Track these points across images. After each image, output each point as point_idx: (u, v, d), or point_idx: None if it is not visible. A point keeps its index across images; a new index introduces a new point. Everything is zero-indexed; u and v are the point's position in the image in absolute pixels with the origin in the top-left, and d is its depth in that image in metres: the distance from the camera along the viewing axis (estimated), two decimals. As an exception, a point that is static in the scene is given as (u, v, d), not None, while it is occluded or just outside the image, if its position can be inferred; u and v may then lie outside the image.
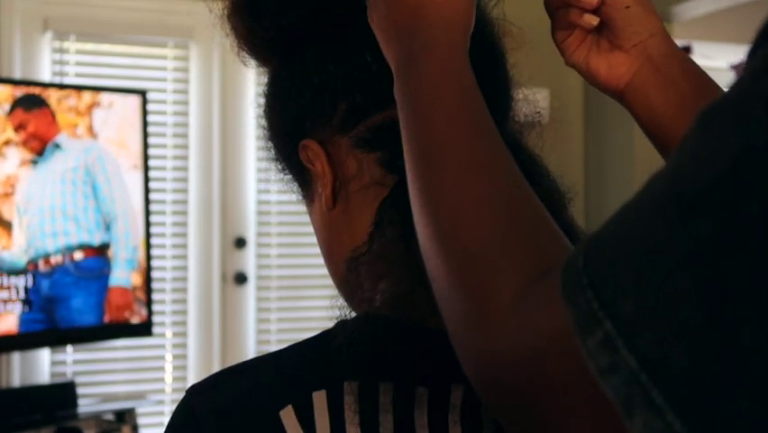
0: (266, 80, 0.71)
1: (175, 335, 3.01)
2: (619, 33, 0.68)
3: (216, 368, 2.89)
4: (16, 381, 2.72)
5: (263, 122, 0.71)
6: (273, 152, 0.71)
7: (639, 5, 0.68)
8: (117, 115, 2.61)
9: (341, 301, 0.66)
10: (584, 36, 0.71)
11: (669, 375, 0.30)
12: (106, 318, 2.55)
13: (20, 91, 2.46)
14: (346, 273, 0.63)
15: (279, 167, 0.71)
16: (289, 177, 0.71)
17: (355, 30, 0.65)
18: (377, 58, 0.63)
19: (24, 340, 2.44)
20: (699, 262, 0.31)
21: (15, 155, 2.40)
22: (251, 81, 3.07)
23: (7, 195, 2.38)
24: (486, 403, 0.48)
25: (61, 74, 2.89)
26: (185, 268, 3.03)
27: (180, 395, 0.60)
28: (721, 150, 0.32)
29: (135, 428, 2.58)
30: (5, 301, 2.36)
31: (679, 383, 0.30)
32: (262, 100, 0.71)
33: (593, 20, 0.68)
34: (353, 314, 0.63)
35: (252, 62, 0.71)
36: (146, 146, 2.67)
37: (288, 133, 0.68)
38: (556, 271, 0.39)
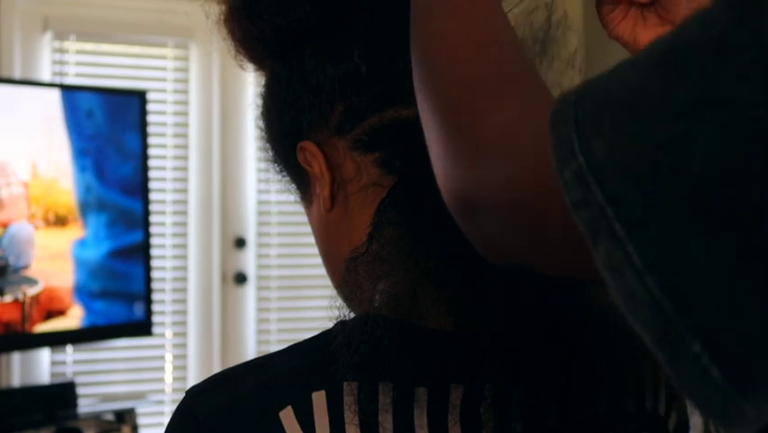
0: (263, 83, 0.71)
1: (175, 335, 3.01)
2: (670, 7, 0.66)
3: (216, 368, 2.89)
4: (16, 381, 2.72)
5: (261, 124, 0.71)
6: (271, 153, 0.71)
7: None
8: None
9: (340, 301, 0.66)
10: (628, 9, 0.69)
11: (631, 211, 0.32)
12: None
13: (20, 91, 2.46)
14: (345, 274, 0.64)
15: (278, 168, 0.71)
16: (288, 178, 0.71)
17: (352, 31, 0.65)
18: (373, 59, 0.63)
19: (24, 340, 2.44)
20: (679, 119, 0.32)
21: None
22: (251, 81, 3.07)
23: None
24: (464, 230, 0.48)
25: (61, 74, 2.89)
26: (185, 268, 3.03)
27: (180, 395, 0.60)
28: (723, 15, 0.34)
29: (135, 428, 2.59)
30: None
31: (639, 219, 0.32)
32: (260, 102, 0.71)
33: None
34: (353, 314, 0.63)
35: (250, 66, 0.71)
36: (146, 146, 2.67)
37: (286, 135, 0.68)
38: (549, 105, 0.40)
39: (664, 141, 0.32)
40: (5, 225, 2.37)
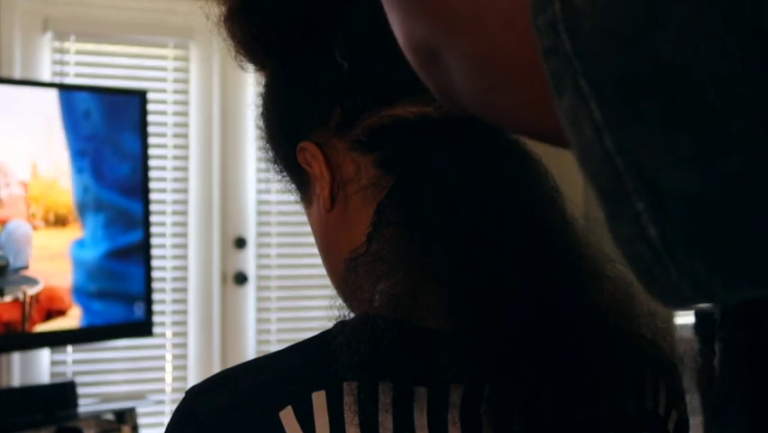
0: (263, 83, 0.71)
1: (175, 335, 3.01)
2: None
3: (217, 368, 2.89)
4: (16, 381, 2.72)
5: (261, 124, 0.71)
6: (272, 154, 0.71)
7: None
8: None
9: (340, 302, 0.66)
10: None
11: (599, 70, 0.32)
12: None
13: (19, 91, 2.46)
14: (345, 274, 0.64)
15: (278, 169, 0.71)
16: (288, 179, 0.71)
17: (350, 31, 0.65)
18: (366, 59, 0.63)
19: (24, 340, 2.44)
20: None
21: None
22: (251, 82, 3.07)
23: None
24: (421, 76, 0.46)
25: (61, 74, 2.89)
26: (185, 268, 3.03)
27: (180, 395, 0.60)
28: None
29: (135, 428, 2.59)
30: None
31: (605, 79, 0.32)
32: (260, 103, 0.71)
33: None
34: (353, 314, 0.63)
35: (250, 66, 0.71)
36: (146, 146, 2.67)
37: (286, 136, 0.68)
38: None
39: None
40: (3, 223, 2.37)
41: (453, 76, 0.43)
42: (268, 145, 0.71)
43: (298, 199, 0.72)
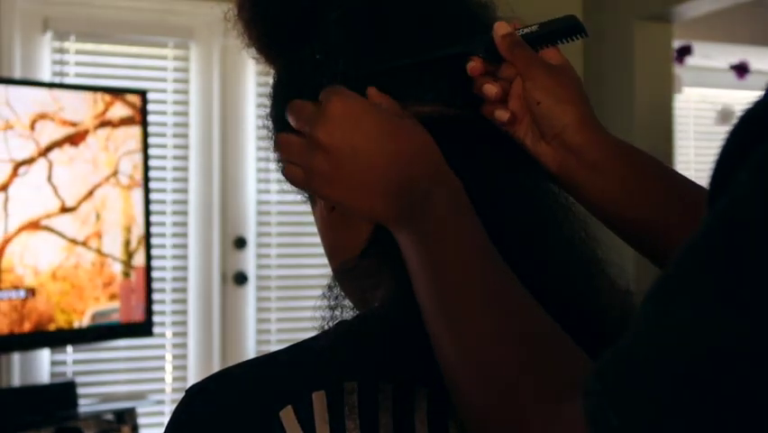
0: (272, 83, 0.71)
1: (175, 335, 3.01)
2: (539, 126, 0.67)
3: (216, 368, 2.89)
4: (16, 381, 2.72)
5: (269, 124, 0.71)
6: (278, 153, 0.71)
7: (551, 98, 0.66)
8: None
9: (340, 302, 0.66)
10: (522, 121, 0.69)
11: None
12: None
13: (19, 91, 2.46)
14: (335, 281, 0.64)
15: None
16: None
17: (349, 31, 0.65)
18: (363, 58, 0.63)
19: (25, 340, 2.44)
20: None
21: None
22: (251, 81, 3.07)
23: None
24: None
25: (61, 74, 2.89)
26: (185, 268, 3.03)
27: (180, 395, 0.60)
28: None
29: (135, 428, 2.58)
30: None
31: None
32: (268, 102, 0.71)
33: (503, 116, 0.66)
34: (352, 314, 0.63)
35: (250, 66, 0.71)
36: (146, 146, 2.66)
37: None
38: (577, 396, 0.42)
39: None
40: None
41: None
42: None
43: (305, 199, 0.72)
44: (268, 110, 0.72)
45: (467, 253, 0.54)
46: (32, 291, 2.41)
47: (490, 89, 0.65)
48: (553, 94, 0.66)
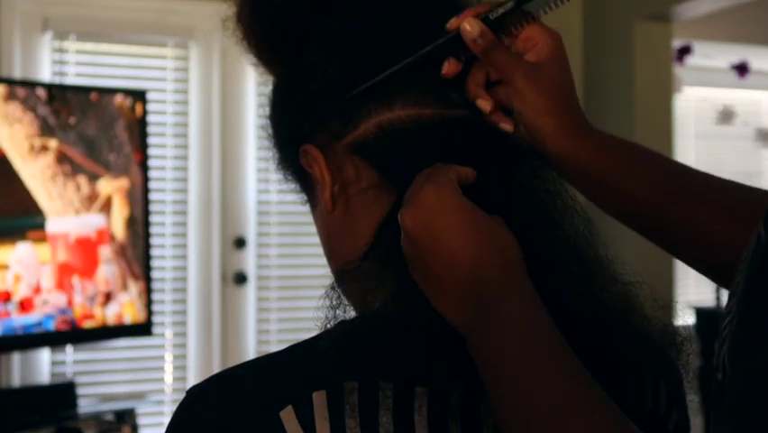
0: (271, 87, 0.71)
1: (175, 335, 3.01)
2: (527, 129, 0.66)
3: (216, 368, 2.90)
4: (16, 381, 2.72)
5: (268, 128, 0.71)
6: (277, 157, 0.71)
7: (531, 110, 0.65)
8: None
9: (339, 302, 0.66)
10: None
11: None
12: None
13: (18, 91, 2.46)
14: (337, 282, 0.64)
15: (283, 172, 0.71)
16: (293, 182, 0.71)
17: (348, 37, 0.65)
18: (363, 61, 0.63)
19: (25, 340, 2.44)
20: None
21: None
22: (251, 81, 3.07)
23: None
24: None
25: (61, 74, 2.89)
26: (185, 268, 3.03)
27: (180, 395, 0.60)
28: None
29: (135, 428, 2.59)
30: None
31: None
32: (267, 106, 0.71)
33: (507, 127, 0.66)
34: (352, 314, 0.63)
35: (251, 66, 0.71)
36: (146, 146, 2.67)
37: (290, 139, 0.68)
38: None
39: None
40: None
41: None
42: (273, 148, 0.71)
43: (305, 202, 0.72)
44: (266, 115, 0.72)
45: (541, 369, 0.55)
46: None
47: (484, 105, 0.65)
48: (533, 105, 0.65)
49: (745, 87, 4.60)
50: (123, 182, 2.62)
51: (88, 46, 2.96)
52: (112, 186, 2.59)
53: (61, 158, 2.49)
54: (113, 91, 2.66)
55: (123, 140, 2.62)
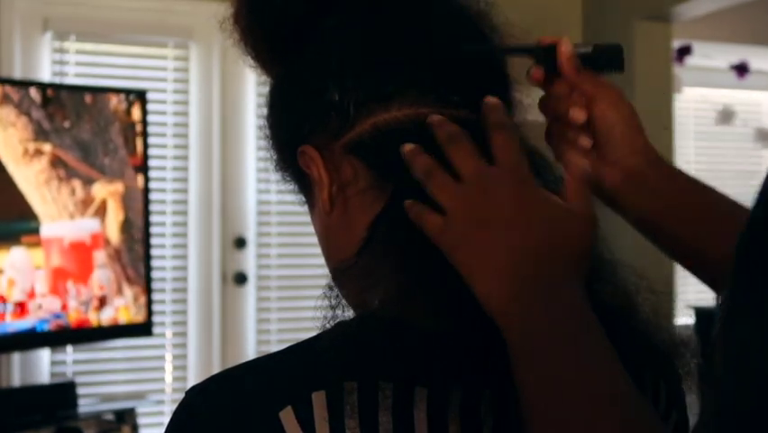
0: (269, 88, 0.71)
1: (175, 335, 3.01)
2: (603, 148, 0.72)
3: (216, 368, 2.90)
4: (16, 381, 2.72)
5: (266, 128, 0.71)
6: (276, 158, 0.71)
7: (624, 125, 0.71)
8: None
9: (338, 302, 0.66)
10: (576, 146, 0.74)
11: None
12: None
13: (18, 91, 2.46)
14: (334, 281, 0.64)
15: (282, 173, 0.71)
16: (292, 182, 0.71)
17: (347, 38, 0.65)
18: (358, 63, 0.64)
19: (25, 340, 2.44)
20: None
21: None
22: (252, 82, 3.07)
23: None
24: None
25: (61, 74, 2.89)
26: (185, 268, 3.03)
27: (180, 395, 0.60)
28: None
29: (135, 428, 2.59)
30: None
31: None
32: (265, 107, 0.71)
33: (587, 142, 0.72)
34: (352, 314, 0.63)
35: (257, 70, 0.71)
36: (146, 146, 2.66)
37: (288, 140, 0.69)
38: None
39: None
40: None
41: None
42: (271, 149, 0.71)
43: (303, 203, 0.72)
44: (264, 116, 0.72)
45: (590, 355, 0.55)
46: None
47: (579, 115, 0.70)
48: (626, 119, 0.72)
49: (745, 88, 4.60)
50: (117, 186, 2.61)
51: (88, 46, 2.96)
52: (107, 190, 2.59)
53: (56, 162, 2.49)
54: (113, 91, 2.66)
55: (118, 144, 2.62)
